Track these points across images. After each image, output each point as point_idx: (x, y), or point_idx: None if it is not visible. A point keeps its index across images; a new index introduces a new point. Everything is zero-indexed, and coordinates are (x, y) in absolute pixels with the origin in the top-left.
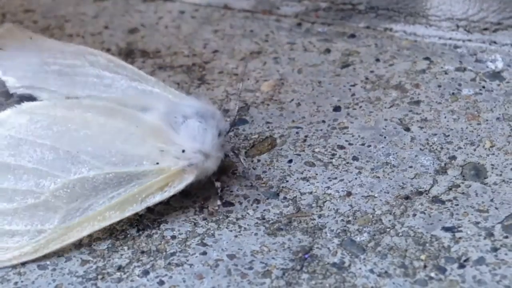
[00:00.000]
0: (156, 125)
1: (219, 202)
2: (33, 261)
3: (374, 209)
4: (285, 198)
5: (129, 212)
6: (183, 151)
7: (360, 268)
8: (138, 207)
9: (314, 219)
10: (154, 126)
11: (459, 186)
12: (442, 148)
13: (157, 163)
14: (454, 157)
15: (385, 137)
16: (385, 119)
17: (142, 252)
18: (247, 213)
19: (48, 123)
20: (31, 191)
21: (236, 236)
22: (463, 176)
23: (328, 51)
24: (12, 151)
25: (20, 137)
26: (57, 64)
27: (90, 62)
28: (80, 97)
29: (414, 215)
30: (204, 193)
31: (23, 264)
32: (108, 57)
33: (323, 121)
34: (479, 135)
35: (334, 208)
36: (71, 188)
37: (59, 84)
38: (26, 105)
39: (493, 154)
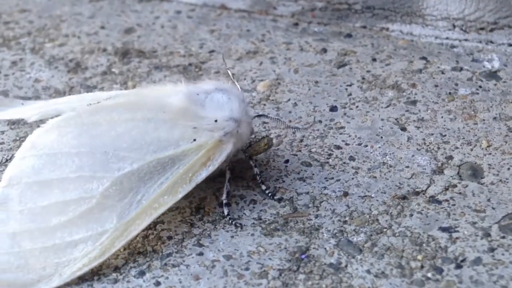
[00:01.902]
0: (182, 105)
1: (264, 187)
2: None
3: (371, 209)
4: (281, 198)
5: (181, 193)
6: (216, 121)
7: (357, 269)
8: (189, 187)
9: (311, 220)
10: (180, 107)
11: (456, 186)
12: (439, 148)
13: (194, 140)
14: (451, 157)
15: (381, 137)
16: (382, 119)
17: (138, 252)
18: (244, 213)
19: (78, 132)
20: (82, 198)
21: (232, 237)
22: (460, 176)
23: (324, 51)
24: (51, 167)
25: (55, 152)
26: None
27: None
28: (101, 101)
29: (411, 215)
30: (200, 194)
31: None
32: None
33: (320, 121)
34: (476, 135)
35: (330, 208)
36: (119, 185)
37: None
38: (51, 121)
39: (490, 154)
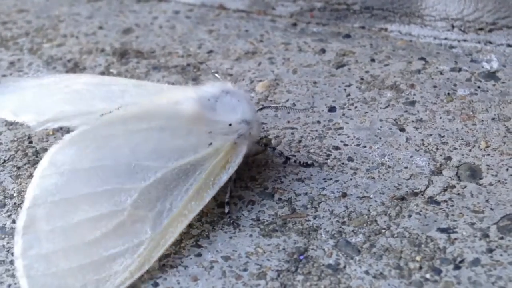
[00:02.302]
0: (195, 111)
1: (299, 162)
2: None
3: (369, 210)
4: (280, 199)
5: (207, 198)
6: (230, 125)
7: (355, 270)
8: (213, 191)
9: (309, 220)
10: (193, 113)
11: (454, 187)
12: (437, 148)
13: (210, 144)
14: (449, 158)
15: (380, 138)
16: (380, 120)
17: None
18: (242, 214)
19: (97, 146)
20: (113, 211)
21: (231, 238)
22: (459, 176)
23: (323, 51)
24: (76, 183)
25: (77, 168)
26: (62, 89)
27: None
28: (113, 110)
29: (410, 216)
30: None
31: None
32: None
33: (318, 122)
34: (475, 136)
35: (329, 209)
36: (147, 195)
37: (82, 104)
38: (67, 137)
39: (489, 154)
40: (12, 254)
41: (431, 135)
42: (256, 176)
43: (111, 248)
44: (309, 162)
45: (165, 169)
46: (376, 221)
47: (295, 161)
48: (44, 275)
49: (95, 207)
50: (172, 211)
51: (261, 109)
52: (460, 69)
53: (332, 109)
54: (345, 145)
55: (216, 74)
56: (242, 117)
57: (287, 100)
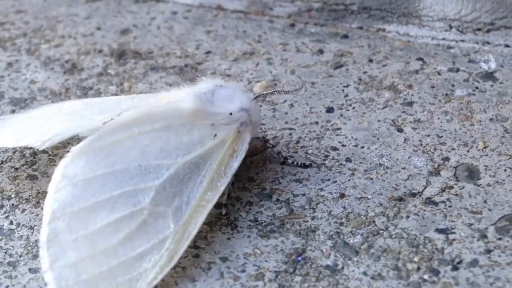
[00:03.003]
0: (195, 106)
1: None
2: (24, 264)
3: (367, 211)
4: (278, 200)
5: (222, 186)
6: (231, 114)
7: (353, 271)
8: (226, 179)
9: (307, 221)
10: (193, 108)
11: (452, 187)
12: (435, 149)
13: (215, 135)
14: (447, 158)
15: (378, 138)
16: (378, 120)
17: None
18: (240, 215)
19: (105, 154)
20: (133, 212)
21: (228, 239)
22: (456, 177)
23: (321, 51)
24: (91, 191)
25: (89, 177)
26: (57, 113)
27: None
28: (114, 118)
29: (408, 216)
30: None
31: (14, 267)
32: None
33: (316, 123)
34: (472, 136)
35: (327, 210)
36: (163, 192)
37: (82, 119)
38: (74, 149)
39: (487, 155)
40: (10, 255)
41: (429, 135)
42: (254, 177)
43: (137, 247)
44: (307, 163)
45: (176, 165)
46: (374, 222)
47: (292, 162)
48: (75, 283)
49: (115, 211)
50: (190, 203)
51: (256, 97)
52: (458, 70)
53: (330, 110)
54: (343, 145)
55: (203, 77)
56: (240, 105)
57: (285, 101)
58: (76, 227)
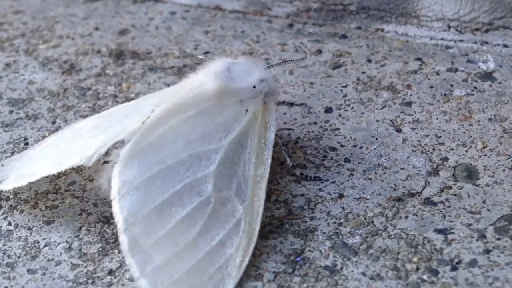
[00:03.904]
0: (219, 86)
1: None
2: (23, 265)
3: (366, 211)
4: (276, 200)
5: (268, 159)
6: (254, 87)
7: (352, 271)
8: (269, 151)
9: (306, 222)
10: (218, 89)
11: (451, 187)
12: (434, 149)
13: (247, 110)
14: (446, 159)
15: (377, 139)
16: (377, 120)
17: None
18: None
19: (155, 150)
20: (200, 202)
21: None
22: (455, 177)
23: (319, 52)
24: (154, 191)
25: (147, 177)
26: (80, 132)
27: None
28: (149, 115)
29: (406, 217)
30: None
31: (13, 268)
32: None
33: (315, 123)
34: (471, 136)
35: (326, 211)
36: (220, 176)
37: (114, 127)
38: (123, 153)
39: (485, 155)
40: (8, 256)
41: (427, 135)
42: None
43: (216, 235)
44: (315, 176)
45: (222, 147)
46: (373, 222)
47: (301, 174)
48: (170, 283)
49: (183, 205)
50: (248, 182)
51: (269, 66)
52: (456, 70)
53: (328, 110)
54: (342, 146)
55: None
56: (259, 77)
57: (283, 102)
58: (152, 230)
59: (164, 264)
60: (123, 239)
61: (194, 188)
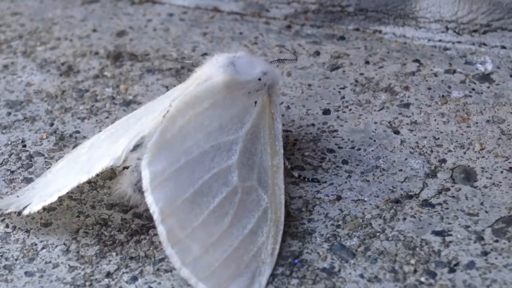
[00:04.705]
0: (228, 78)
1: (296, 174)
2: (20, 267)
3: (364, 213)
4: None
5: (280, 149)
6: (259, 79)
7: (350, 273)
8: (279, 142)
9: (304, 224)
10: (227, 80)
11: (449, 189)
12: (432, 151)
13: (256, 102)
14: (444, 160)
15: (374, 140)
16: (375, 122)
17: (131, 258)
18: None
19: (179, 141)
20: (229, 192)
21: None
22: (453, 179)
23: (317, 53)
24: (185, 181)
25: (176, 168)
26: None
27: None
28: (168, 109)
29: (404, 219)
30: None
31: (10, 271)
32: None
33: (313, 125)
34: (469, 138)
35: (323, 213)
36: (243, 166)
37: (133, 128)
38: (149, 145)
39: (483, 157)
40: (6, 258)
41: (425, 137)
42: None
43: (246, 224)
44: (313, 178)
45: (240, 138)
46: (370, 224)
47: (299, 176)
48: (212, 272)
49: (213, 195)
50: (267, 172)
51: (270, 62)
52: (454, 71)
53: (326, 112)
54: (340, 148)
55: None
56: (261, 69)
57: (282, 103)
58: (187, 220)
59: (203, 254)
60: (161, 230)
61: (221, 178)
